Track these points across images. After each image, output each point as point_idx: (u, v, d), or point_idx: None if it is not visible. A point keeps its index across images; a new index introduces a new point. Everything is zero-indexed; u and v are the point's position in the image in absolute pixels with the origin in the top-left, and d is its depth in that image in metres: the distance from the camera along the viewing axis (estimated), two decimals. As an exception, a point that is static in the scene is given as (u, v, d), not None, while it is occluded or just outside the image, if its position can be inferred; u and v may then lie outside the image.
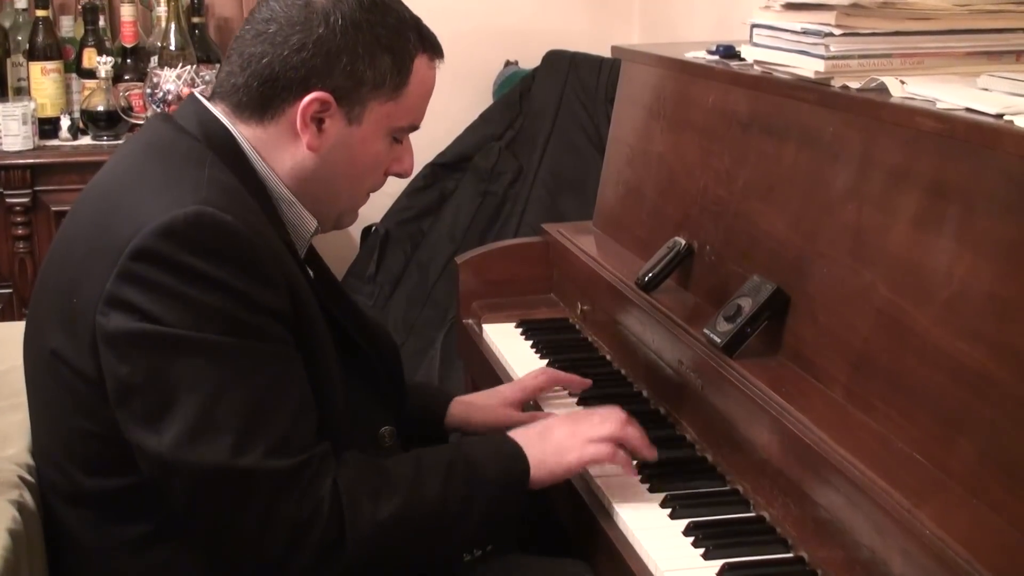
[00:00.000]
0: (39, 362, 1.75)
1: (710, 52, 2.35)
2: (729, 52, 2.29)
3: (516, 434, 1.83)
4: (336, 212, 1.87)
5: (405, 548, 1.70)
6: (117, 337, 1.58)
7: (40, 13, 3.82)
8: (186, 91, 3.48)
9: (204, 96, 1.81)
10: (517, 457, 1.79)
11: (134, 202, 1.64)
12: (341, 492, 1.63)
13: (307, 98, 1.72)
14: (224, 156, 1.72)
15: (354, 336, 1.87)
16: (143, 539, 1.70)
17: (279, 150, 1.77)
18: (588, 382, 2.22)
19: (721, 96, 2.21)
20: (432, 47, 1.83)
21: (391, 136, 1.82)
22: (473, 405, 2.19)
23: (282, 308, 1.64)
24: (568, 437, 1.83)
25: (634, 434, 1.87)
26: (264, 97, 1.74)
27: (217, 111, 1.77)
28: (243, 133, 1.76)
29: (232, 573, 1.70)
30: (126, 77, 3.88)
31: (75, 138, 3.84)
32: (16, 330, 1.85)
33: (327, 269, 1.97)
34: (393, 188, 4.09)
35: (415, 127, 1.86)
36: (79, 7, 4.00)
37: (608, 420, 1.86)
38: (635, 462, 1.89)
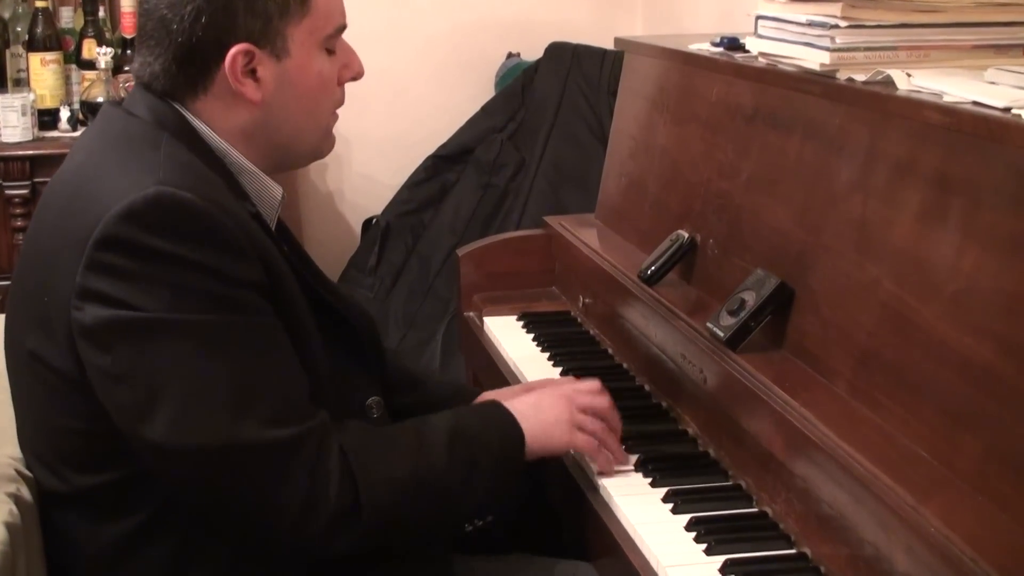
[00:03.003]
0: (19, 362, 1.74)
1: (714, 44, 2.34)
2: (733, 44, 2.28)
3: (511, 405, 1.83)
4: (309, 146, 1.83)
5: (416, 513, 1.70)
6: (94, 329, 1.56)
7: (39, 4, 3.81)
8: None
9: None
10: (514, 428, 1.80)
11: (93, 191, 1.62)
12: (350, 458, 1.63)
13: (228, 57, 1.70)
14: (178, 135, 1.70)
15: (335, 305, 1.85)
16: (136, 533, 1.68)
17: (226, 116, 1.74)
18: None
19: (725, 88, 2.20)
20: None
21: (324, 49, 1.77)
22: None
23: (257, 279, 1.62)
24: (560, 414, 1.85)
25: (612, 445, 1.89)
26: (188, 74, 1.72)
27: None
28: (189, 108, 1.74)
29: (223, 564, 1.69)
30: (126, 68, 3.86)
31: (75, 129, 3.83)
32: (11, 322, 1.84)
33: (297, 242, 1.94)
34: (394, 180, 4.10)
35: (343, 26, 1.80)
36: (79, -3, 3.99)
37: (595, 419, 1.88)
38: (636, 457, 1.89)
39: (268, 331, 1.63)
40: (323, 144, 1.86)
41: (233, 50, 1.69)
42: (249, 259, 1.61)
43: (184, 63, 1.71)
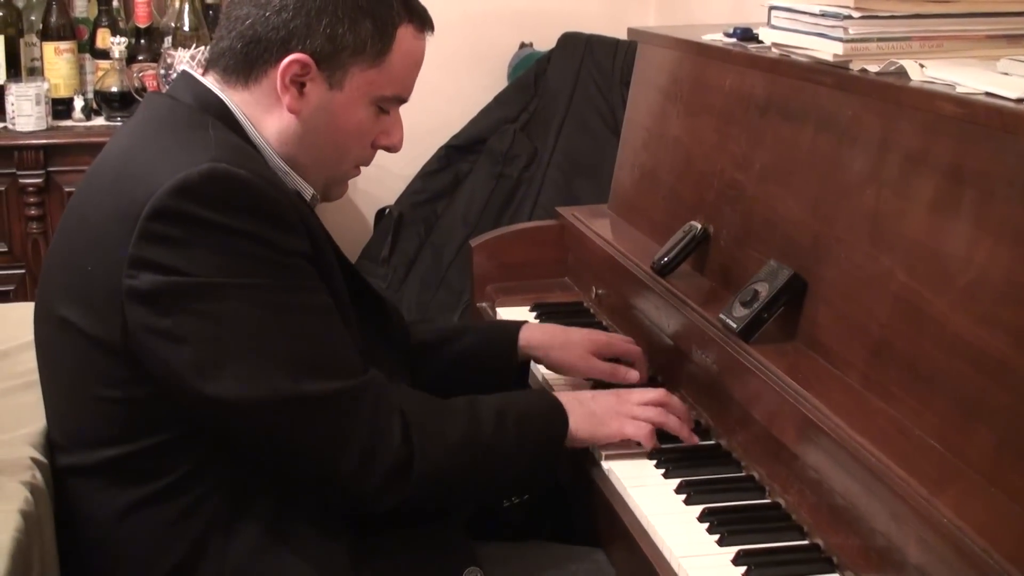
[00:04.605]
0: (50, 333, 1.77)
1: (727, 35, 2.33)
2: (747, 35, 2.27)
3: (561, 394, 1.90)
4: (322, 181, 1.86)
5: (463, 479, 1.77)
6: (152, 294, 1.60)
7: (54, -8, 3.81)
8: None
9: (198, 72, 1.83)
10: (558, 412, 1.85)
11: (146, 168, 1.66)
12: (407, 415, 1.69)
13: (287, 60, 1.74)
14: (221, 120, 1.75)
15: (370, 289, 1.92)
16: (152, 502, 1.71)
17: (265, 115, 1.78)
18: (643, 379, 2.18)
19: (738, 79, 2.20)
20: (419, 17, 1.83)
21: (376, 106, 1.81)
22: (556, 338, 2.19)
23: (305, 250, 1.68)
24: (614, 406, 1.90)
25: (674, 423, 1.92)
26: (248, 59, 1.76)
27: (208, 82, 1.79)
28: (233, 100, 1.78)
29: (245, 534, 1.71)
30: (140, 58, 3.88)
31: (88, 119, 3.84)
32: (28, 310, 1.85)
33: (331, 237, 1.96)
34: (407, 171, 4.09)
35: (402, 99, 1.85)
36: (93, -13, 3.99)
37: (651, 407, 1.92)
38: (648, 448, 1.89)
39: (319, 294, 1.69)
40: (333, 188, 1.90)
41: (293, 56, 1.74)
42: (298, 232, 1.67)
43: (248, 45, 1.75)
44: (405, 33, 1.80)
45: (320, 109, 1.77)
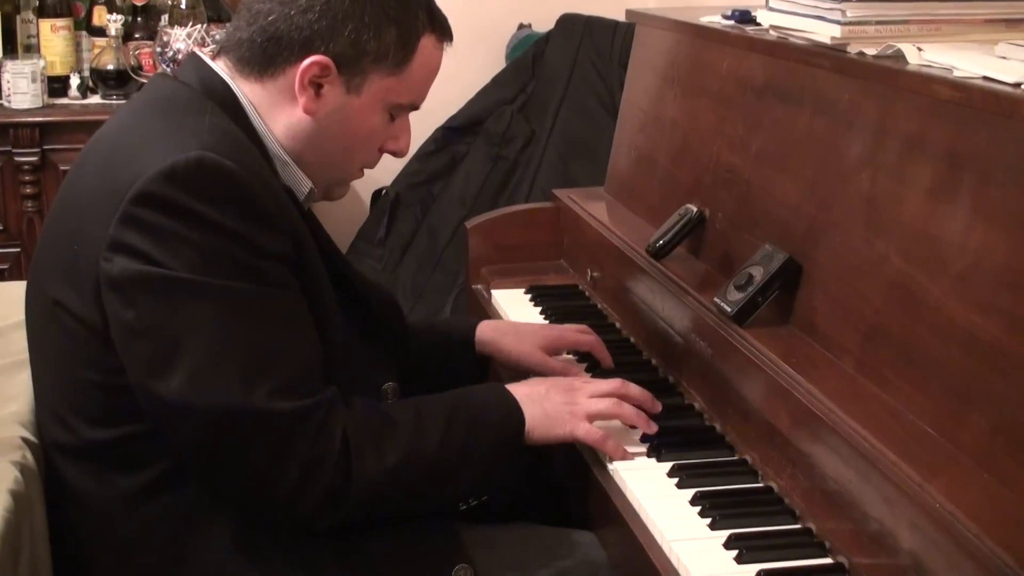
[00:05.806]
0: (42, 314, 1.76)
1: (725, 17, 2.32)
2: (745, 17, 2.27)
3: (516, 389, 1.84)
4: (326, 181, 1.87)
5: (404, 496, 1.73)
6: (121, 281, 1.59)
7: (50, -31, 3.80)
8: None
9: (208, 55, 1.82)
10: (514, 412, 1.80)
11: (136, 150, 1.65)
12: (349, 439, 1.65)
13: (307, 61, 1.73)
14: (223, 106, 1.74)
15: (358, 288, 1.89)
16: (144, 489, 1.70)
17: (276, 109, 1.77)
18: (611, 364, 2.16)
19: (736, 62, 2.19)
20: (441, 28, 1.84)
21: (389, 112, 1.82)
22: (507, 333, 2.18)
23: (286, 252, 1.65)
24: (564, 405, 1.84)
25: (629, 413, 1.86)
26: (266, 55, 1.75)
27: (218, 67, 1.79)
28: (243, 89, 1.77)
29: (233, 521, 1.70)
30: (136, 36, 3.87)
31: (84, 97, 3.84)
32: (22, 289, 1.84)
33: (323, 228, 1.95)
34: (404, 151, 4.08)
35: (415, 106, 1.86)
36: (90, -36, 3.98)
37: (603, 400, 1.86)
38: (641, 431, 1.88)
39: (290, 304, 1.66)
40: (337, 188, 1.91)
41: (315, 57, 1.73)
42: (280, 232, 1.64)
43: (268, 41, 1.75)
44: (427, 43, 1.81)
45: (335, 112, 1.77)
